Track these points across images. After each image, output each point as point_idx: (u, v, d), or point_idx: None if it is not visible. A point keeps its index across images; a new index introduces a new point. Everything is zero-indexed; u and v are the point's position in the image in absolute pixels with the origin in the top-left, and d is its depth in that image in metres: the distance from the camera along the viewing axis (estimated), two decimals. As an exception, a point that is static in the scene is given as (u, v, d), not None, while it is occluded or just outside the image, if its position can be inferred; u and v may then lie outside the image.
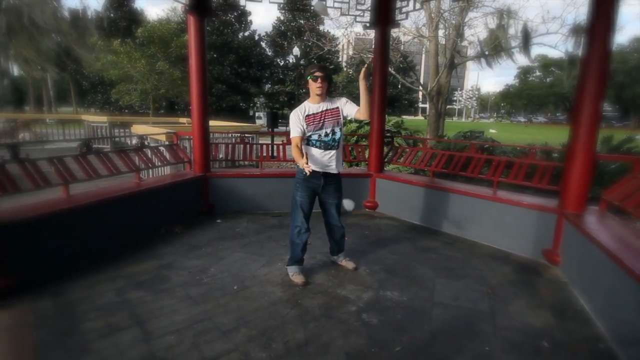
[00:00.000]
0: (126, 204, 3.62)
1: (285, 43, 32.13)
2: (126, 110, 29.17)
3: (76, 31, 17.06)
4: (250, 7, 31.50)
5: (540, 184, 3.75)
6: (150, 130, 6.69)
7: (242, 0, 4.81)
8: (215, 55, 28.80)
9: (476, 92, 75.72)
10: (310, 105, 2.77)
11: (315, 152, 2.78)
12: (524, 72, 52.88)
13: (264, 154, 5.17)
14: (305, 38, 24.05)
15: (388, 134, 5.90)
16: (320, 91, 2.72)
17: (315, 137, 2.76)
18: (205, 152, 4.56)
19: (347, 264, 3.17)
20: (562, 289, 2.95)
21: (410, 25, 11.80)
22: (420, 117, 52.74)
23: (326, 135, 2.76)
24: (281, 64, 33.81)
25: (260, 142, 7.56)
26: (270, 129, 10.36)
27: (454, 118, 73.71)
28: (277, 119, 11.83)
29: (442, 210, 4.26)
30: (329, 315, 2.43)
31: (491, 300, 2.71)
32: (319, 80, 2.69)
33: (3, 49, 17.16)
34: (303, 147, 2.73)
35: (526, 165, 3.93)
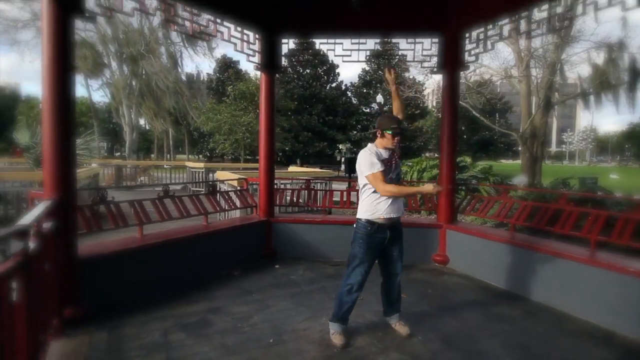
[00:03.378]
0: (193, 245, 3.88)
1: (371, 91, 33.15)
2: (223, 157, 32.71)
3: (190, 92, 20.18)
4: (338, 61, 33.61)
5: (657, 247, 2.95)
6: (228, 176, 7.30)
7: (331, 55, 5.06)
8: (305, 106, 30.93)
9: (591, 133, 67.10)
10: (381, 151, 2.65)
11: (389, 199, 2.61)
12: (654, 109, 45.32)
13: (333, 200, 5.14)
14: (389, 85, 24.58)
15: (473, 180, 5.41)
16: (396, 147, 2.66)
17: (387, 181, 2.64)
18: (269, 197, 4.73)
19: (401, 328, 2.78)
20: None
21: (497, 66, 11.15)
22: (518, 161, 48.23)
23: (393, 179, 2.66)
24: (366, 111, 34.78)
25: (334, 187, 7.70)
26: (348, 175, 10.43)
27: (563, 162, 65.88)
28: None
29: (526, 272, 3.62)
30: (362, 388, 2.14)
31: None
32: (399, 138, 2.64)
33: (136, 108, 21.18)
34: (374, 201, 2.60)
35: (633, 220, 3.16)
